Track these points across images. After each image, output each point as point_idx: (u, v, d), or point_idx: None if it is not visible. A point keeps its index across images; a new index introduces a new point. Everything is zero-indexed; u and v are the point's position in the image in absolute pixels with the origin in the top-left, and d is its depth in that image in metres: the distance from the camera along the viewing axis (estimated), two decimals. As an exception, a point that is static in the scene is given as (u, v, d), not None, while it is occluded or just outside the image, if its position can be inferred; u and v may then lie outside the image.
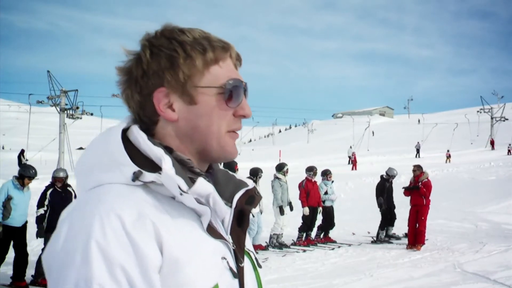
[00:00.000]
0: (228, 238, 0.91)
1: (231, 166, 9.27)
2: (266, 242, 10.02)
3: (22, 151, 25.97)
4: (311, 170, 10.86)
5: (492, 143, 48.49)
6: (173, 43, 0.88)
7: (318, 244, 10.62)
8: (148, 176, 0.81)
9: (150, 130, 0.90)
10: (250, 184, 0.99)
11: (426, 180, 10.25)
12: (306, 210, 10.43)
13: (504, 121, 55.85)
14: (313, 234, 10.92)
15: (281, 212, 9.96)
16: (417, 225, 10.03)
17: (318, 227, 11.00)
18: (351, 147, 42.39)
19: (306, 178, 10.75)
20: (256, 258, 0.99)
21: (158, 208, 0.81)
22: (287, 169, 10.46)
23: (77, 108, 29.43)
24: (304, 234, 10.72)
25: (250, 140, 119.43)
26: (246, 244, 0.97)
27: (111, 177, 0.83)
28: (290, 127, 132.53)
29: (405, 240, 10.69)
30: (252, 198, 0.97)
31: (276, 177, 10.24)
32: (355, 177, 23.93)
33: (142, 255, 0.75)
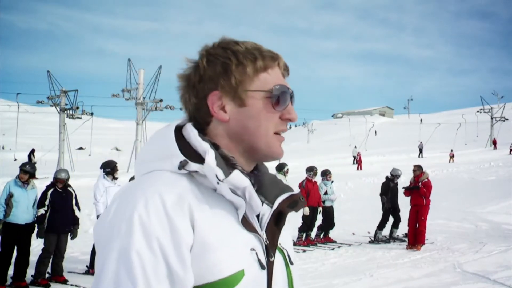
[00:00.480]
0: (263, 234, 0.98)
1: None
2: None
3: (33, 151, 25.98)
4: (311, 170, 10.86)
5: (494, 142, 48.57)
6: (227, 52, 0.99)
7: (318, 244, 10.62)
8: (193, 166, 0.92)
9: (203, 130, 1.01)
10: (296, 190, 1.07)
11: (426, 180, 10.25)
12: (306, 210, 10.43)
13: (504, 121, 55.86)
14: (313, 234, 10.92)
15: None
16: (417, 225, 10.03)
17: (318, 227, 10.99)
18: (355, 147, 42.41)
19: (306, 178, 10.76)
20: (289, 256, 1.06)
21: (198, 196, 0.91)
22: (287, 169, 10.47)
23: (77, 108, 29.42)
24: (304, 234, 10.72)
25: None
26: (281, 242, 1.03)
27: (162, 165, 0.95)
28: (290, 127, 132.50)
29: (405, 240, 10.71)
30: (295, 202, 1.05)
31: None
32: (355, 177, 23.95)
33: (177, 231, 0.86)
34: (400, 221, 11.20)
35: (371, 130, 65.31)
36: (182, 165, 0.92)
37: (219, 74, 0.98)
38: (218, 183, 0.91)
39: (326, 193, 11.03)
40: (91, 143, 50.22)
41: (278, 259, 1.00)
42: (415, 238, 9.95)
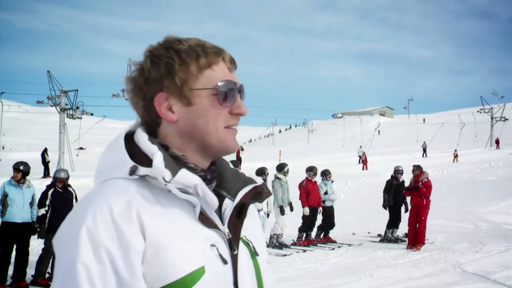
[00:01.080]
0: (224, 228, 0.98)
1: (234, 165, 9.28)
2: (266, 242, 10.00)
3: (45, 150, 25.90)
4: (311, 170, 10.87)
5: (497, 142, 48.69)
6: (170, 52, 0.98)
7: (318, 244, 10.62)
8: (142, 170, 0.93)
9: (154, 132, 1.01)
10: (259, 181, 1.06)
11: (426, 180, 10.24)
12: (306, 210, 10.44)
13: (504, 121, 55.87)
14: (313, 234, 10.93)
15: (282, 212, 9.97)
16: (417, 225, 10.03)
17: (318, 227, 11.00)
18: (360, 146, 42.58)
19: (306, 178, 10.76)
20: (254, 247, 1.05)
21: (149, 198, 0.92)
22: (288, 169, 10.48)
23: (77, 108, 29.43)
24: (304, 234, 10.72)
25: (250, 140, 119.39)
26: (246, 234, 1.03)
27: (115, 173, 0.95)
28: (290, 127, 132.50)
29: (405, 240, 10.71)
30: (259, 194, 1.05)
31: (276, 177, 10.29)
32: (355, 177, 23.94)
33: (125, 238, 0.86)
34: (400, 221, 11.17)
35: (376, 129, 65.14)
36: (132, 171, 0.93)
37: (163, 75, 0.98)
38: (166, 184, 0.91)
39: (326, 193, 11.04)
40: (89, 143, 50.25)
41: (243, 252, 1.00)
42: (415, 238, 9.95)
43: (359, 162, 35.78)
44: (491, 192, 18.10)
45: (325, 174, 11.33)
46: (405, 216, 10.80)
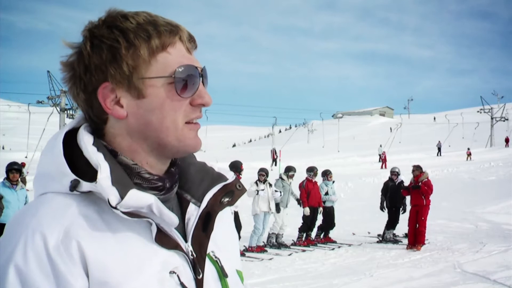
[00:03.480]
0: (187, 246, 0.83)
1: (237, 166, 9.33)
2: (263, 242, 10.02)
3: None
4: (311, 170, 10.89)
5: (507, 140, 48.93)
6: (114, 32, 0.79)
7: (318, 244, 10.62)
8: (85, 185, 0.76)
9: (100, 130, 0.84)
10: (230, 177, 0.91)
11: (426, 180, 10.23)
12: (307, 210, 10.44)
13: (504, 121, 55.90)
14: (313, 234, 10.93)
15: (277, 209, 9.97)
16: (417, 225, 10.02)
17: (318, 227, 11.00)
18: (381, 145, 43.16)
19: (306, 178, 10.79)
20: (222, 267, 0.88)
21: (95, 222, 0.75)
22: (293, 174, 10.54)
23: (77, 108, 29.44)
24: (304, 234, 10.73)
25: (250, 140, 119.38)
26: (213, 250, 0.88)
27: (53, 186, 0.78)
28: (290, 127, 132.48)
29: (405, 240, 10.70)
30: (231, 193, 0.89)
31: (280, 178, 10.42)
32: (355, 177, 23.93)
33: (64, 281, 0.71)
34: (397, 222, 11.08)
35: (397, 129, 65.02)
36: (73, 186, 0.75)
37: (107, 61, 0.79)
38: (112, 208, 0.74)
39: (326, 193, 11.03)
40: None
41: (209, 273, 0.84)
42: (415, 238, 9.94)
43: (379, 161, 36.90)
44: (491, 192, 18.08)
45: (326, 174, 11.33)
46: (404, 217, 10.78)
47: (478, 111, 60.09)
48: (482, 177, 23.29)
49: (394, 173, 11.32)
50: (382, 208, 11.23)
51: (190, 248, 0.83)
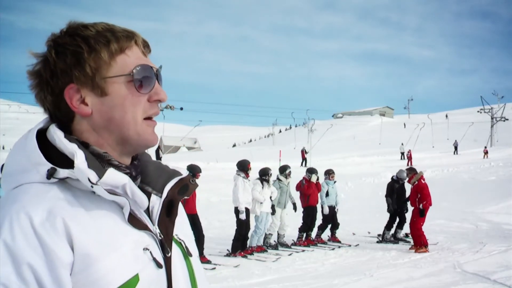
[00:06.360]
0: (155, 228, 0.93)
1: (244, 165, 9.32)
2: (262, 243, 10.01)
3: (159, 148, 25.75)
4: (311, 172, 10.93)
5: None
6: (76, 40, 0.89)
7: (318, 244, 10.62)
8: (62, 172, 0.83)
9: (67, 127, 0.92)
10: (184, 173, 1.00)
11: (417, 182, 10.08)
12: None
13: (504, 121, 55.89)
14: (314, 234, 10.93)
15: (273, 211, 9.98)
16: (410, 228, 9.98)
17: (318, 227, 11.00)
18: (402, 144, 43.73)
19: (304, 178, 10.88)
20: (186, 247, 0.99)
21: (73, 204, 0.83)
22: (290, 172, 10.53)
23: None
24: (304, 234, 10.73)
25: (251, 140, 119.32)
26: (177, 233, 0.98)
27: (29, 177, 0.85)
28: (290, 127, 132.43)
29: (407, 241, 10.70)
30: (186, 187, 0.99)
31: (277, 178, 10.41)
32: (355, 177, 23.93)
33: (51, 253, 0.76)
34: (405, 221, 11.05)
35: (421, 128, 65.02)
36: (50, 174, 0.83)
37: (71, 65, 0.88)
38: (92, 186, 0.82)
39: (327, 193, 11.03)
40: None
41: (175, 252, 0.94)
42: (419, 240, 9.79)
43: (401, 158, 38.24)
44: (491, 192, 18.09)
45: (328, 173, 11.33)
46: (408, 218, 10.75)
47: (478, 111, 60.12)
48: (482, 177, 23.28)
49: (402, 180, 11.14)
50: (390, 210, 11.14)
51: (158, 230, 0.93)
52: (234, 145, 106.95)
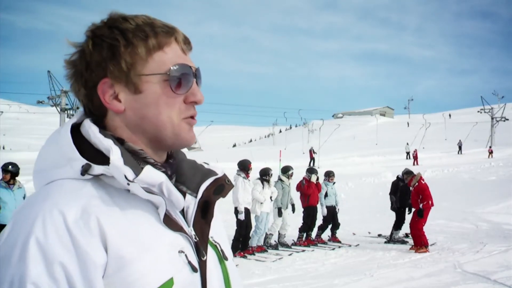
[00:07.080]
0: (190, 230, 0.89)
1: (245, 165, 9.33)
2: (262, 243, 10.01)
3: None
4: (311, 172, 10.93)
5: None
6: (114, 32, 0.85)
7: (318, 244, 10.62)
8: (97, 168, 0.80)
9: (101, 123, 0.88)
10: (220, 172, 0.96)
11: (417, 184, 10.07)
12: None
13: (504, 121, 55.88)
14: (314, 234, 10.93)
15: (279, 213, 10.02)
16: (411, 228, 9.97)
17: (319, 227, 11.00)
18: (407, 143, 43.94)
19: (304, 178, 10.87)
20: (222, 250, 0.96)
21: (108, 202, 0.80)
22: (292, 173, 10.55)
23: (77, 108, 29.50)
24: (305, 234, 10.73)
25: (251, 140, 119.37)
26: (212, 235, 0.94)
27: (62, 172, 0.82)
28: (290, 127, 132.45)
29: (407, 241, 10.69)
30: (221, 187, 0.95)
31: (279, 179, 10.41)
32: (355, 177, 23.92)
33: (84, 253, 0.74)
34: (403, 222, 11.03)
35: (427, 128, 65.06)
36: (84, 170, 0.80)
37: (106, 58, 0.85)
38: (128, 184, 0.79)
39: (326, 194, 11.03)
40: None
41: (210, 256, 0.90)
42: (419, 241, 9.78)
43: (407, 158, 38.51)
44: (491, 192, 18.08)
45: (328, 175, 11.34)
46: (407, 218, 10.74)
47: (478, 111, 60.08)
48: (482, 177, 23.27)
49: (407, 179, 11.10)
50: (393, 208, 11.14)
51: (193, 232, 0.89)
52: (235, 145, 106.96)
